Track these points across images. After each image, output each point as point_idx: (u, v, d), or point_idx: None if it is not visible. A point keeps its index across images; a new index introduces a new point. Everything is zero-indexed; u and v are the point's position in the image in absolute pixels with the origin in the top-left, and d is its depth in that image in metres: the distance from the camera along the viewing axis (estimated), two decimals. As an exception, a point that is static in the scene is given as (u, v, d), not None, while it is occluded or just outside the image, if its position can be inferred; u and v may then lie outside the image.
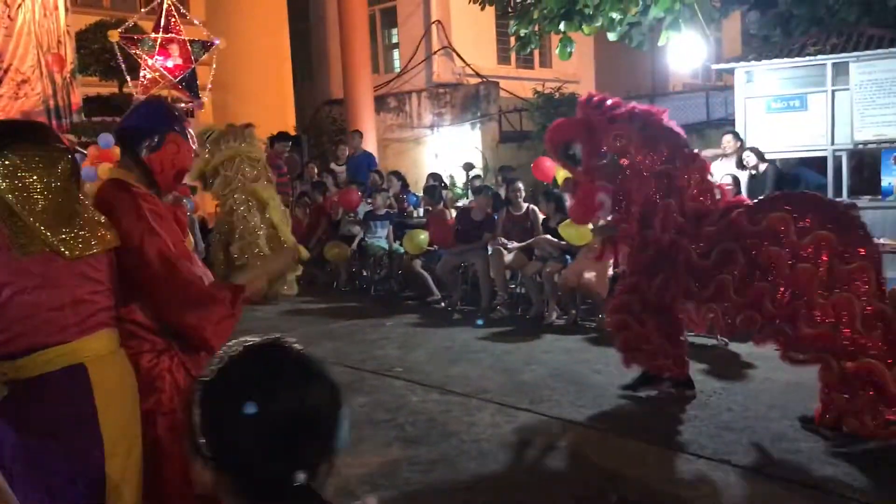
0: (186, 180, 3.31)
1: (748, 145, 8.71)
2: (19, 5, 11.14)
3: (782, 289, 4.38)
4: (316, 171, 12.13)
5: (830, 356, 4.28)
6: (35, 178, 2.36)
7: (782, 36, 11.54)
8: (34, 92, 11.33)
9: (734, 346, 6.53)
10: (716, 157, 9.00)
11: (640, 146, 4.90)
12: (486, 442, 4.62)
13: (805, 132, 9.08)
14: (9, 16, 11.05)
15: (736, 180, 7.91)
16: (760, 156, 8.32)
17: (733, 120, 10.23)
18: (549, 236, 7.87)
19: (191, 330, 2.58)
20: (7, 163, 2.30)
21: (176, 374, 2.60)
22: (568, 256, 7.84)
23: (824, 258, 4.28)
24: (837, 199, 7.02)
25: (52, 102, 11.46)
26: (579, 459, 4.36)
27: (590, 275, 7.43)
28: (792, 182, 8.49)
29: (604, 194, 5.03)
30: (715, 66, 11.27)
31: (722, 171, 8.46)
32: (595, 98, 5.16)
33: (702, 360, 6.19)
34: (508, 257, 8.12)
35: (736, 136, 8.84)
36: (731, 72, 10.16)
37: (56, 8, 11.51)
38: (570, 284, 7.60)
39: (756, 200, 4.98)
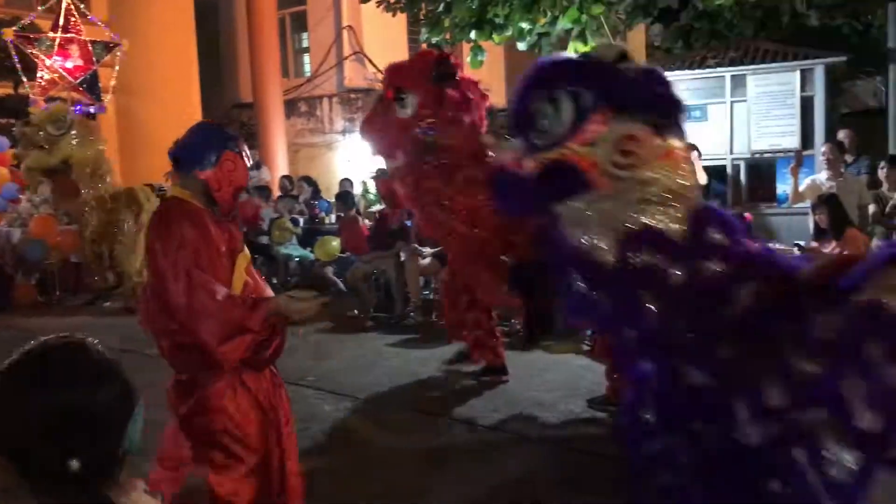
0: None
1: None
2: None
3: None
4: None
5: None
6: None
7: (684, 48, 11.97)
8: (-81, 91, 10.74)
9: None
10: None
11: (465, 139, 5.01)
12: (400, 450, 4.61)
13: (706, 142, 9.44)
14: None
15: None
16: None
17: (638, 129, 10.54)
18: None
19: (203, 345, 2.72)
20: None
21: (234, 393, 2.78)
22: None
23: None
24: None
25: (-61, 103, 10.88)
26: (494, 464, 4.40)
27: (502, 281, 7.51)
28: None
29: (402, 154, 5.07)
30: (621, 77, 11.57)
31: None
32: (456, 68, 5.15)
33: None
34: (423, 262, 8.12)
35: None
36: (636, 82, 10.45)
37: (-56, 3, 10.94)
38: (482, 290, 7.67)
39: None
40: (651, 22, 12.91)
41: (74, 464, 1.28)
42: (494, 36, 8.98)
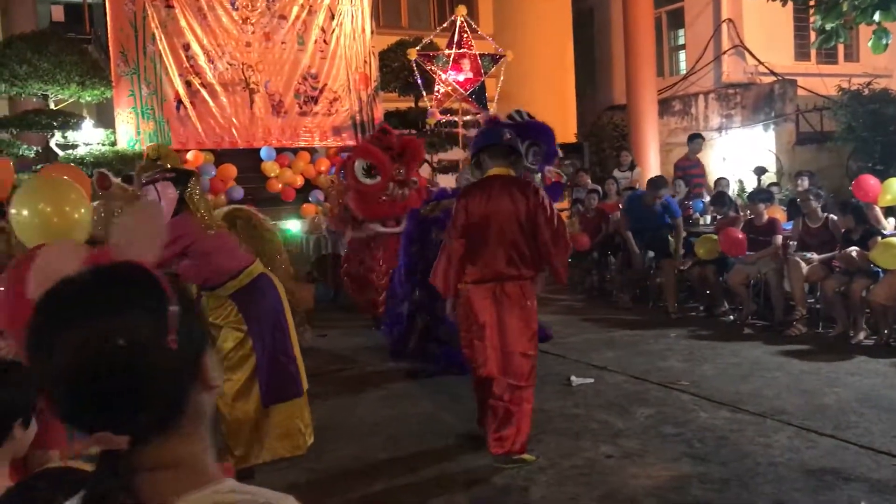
0: None
1: None
2: (333, 30, 12.37)
3: None
4: (588, 178, 11.93)
5: None
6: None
7: None
8: (343, 108, 12.50)
9: None
10: None
11: None
12: (783, 466, 4.32)
13: None
14: (324, 40, 12.31)
15: None
16: None
17: None
18: (857, 248, 7.16)
19: None
20: (194, 180, 4.31)
21: None
22: (879, 270, 7.10)
23: None
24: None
25: (357, 118, 12.58)
26: (894, 496, 3.92)
27: (908, 291, 6.68)
28: None
29: None
30: None
31: None
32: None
33: None
34: (809, 267, 7.51)
35: None
36: None
37: (364, 31, 12.62)
38: (882, 301, 6.88)
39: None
40: None
41: None
42: (903, 15, 7.95)
